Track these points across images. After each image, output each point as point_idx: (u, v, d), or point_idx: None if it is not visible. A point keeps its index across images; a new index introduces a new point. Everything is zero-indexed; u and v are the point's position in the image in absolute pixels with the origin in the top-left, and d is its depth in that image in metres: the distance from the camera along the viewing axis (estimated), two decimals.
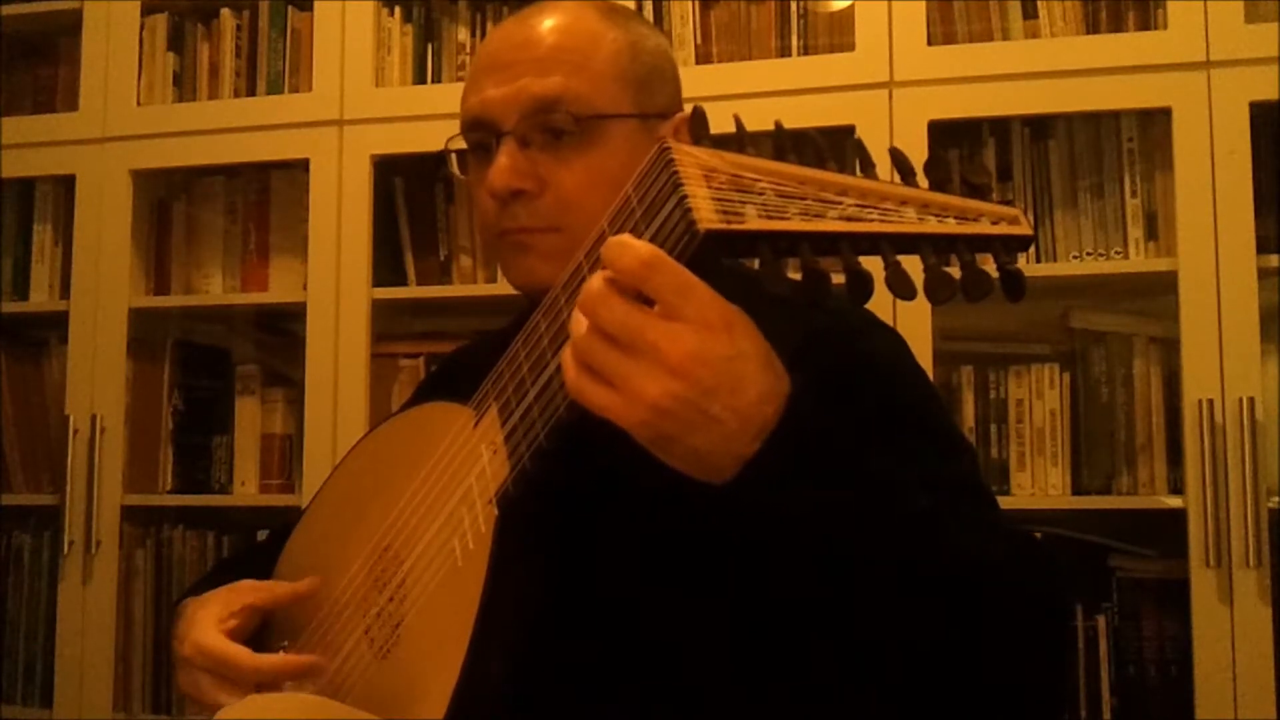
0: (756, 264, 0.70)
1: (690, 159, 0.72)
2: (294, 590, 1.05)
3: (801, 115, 1.74)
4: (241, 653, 0.99)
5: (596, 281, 0.71)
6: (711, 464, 0.72)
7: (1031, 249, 1.78)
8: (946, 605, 0.76)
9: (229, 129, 2.04)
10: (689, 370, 0.69)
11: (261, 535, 1.89)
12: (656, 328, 0.69)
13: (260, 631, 1.06)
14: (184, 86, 2.15)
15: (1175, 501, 1.71)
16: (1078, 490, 1.79)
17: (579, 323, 0.72)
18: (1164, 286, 1.72)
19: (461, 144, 1.06)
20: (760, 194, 0.70)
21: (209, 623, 1.01)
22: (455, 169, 1.09)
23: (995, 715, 0.79)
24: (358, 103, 1.98)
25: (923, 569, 0.75)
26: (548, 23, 1.02)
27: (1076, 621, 1.73)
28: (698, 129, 0.75)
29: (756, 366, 0.71)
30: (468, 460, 0.91)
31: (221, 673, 0.98)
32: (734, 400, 0.70)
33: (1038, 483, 1.80)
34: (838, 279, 0.70)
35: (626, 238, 0.71)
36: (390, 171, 2.05)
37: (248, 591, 1.05)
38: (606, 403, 0.71)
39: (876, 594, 0.75)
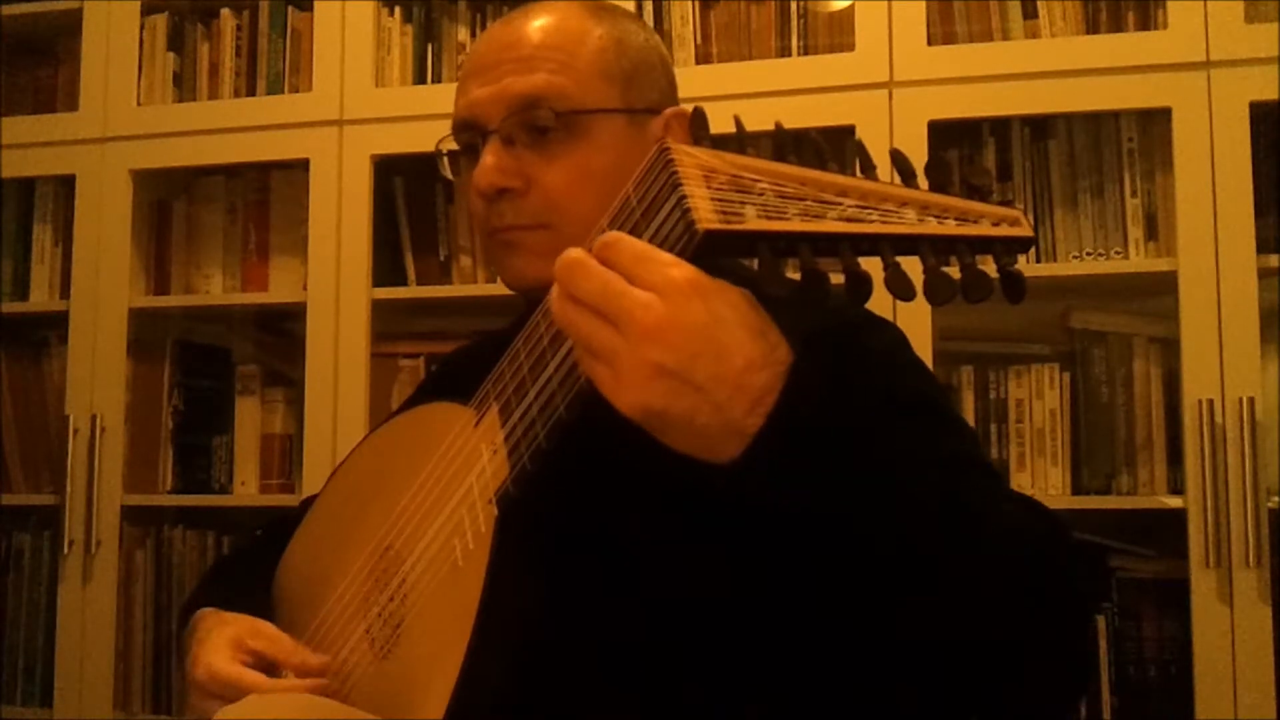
0: (756, 265, 0.70)
1: (690, 159, 0.72)
2: (302, 663, 1.00)
3: (801, 115, 1.74)
4: (257, 679, 0.97)
5: (573, 253, 0.71)
6: (708, 439, 0.71)
7: (1031, 249, 1.78)
8: (971, 571, 0.75)
9: (229, 129, 2.04)
10: (664, 337, 0.68)
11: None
12: (630, 295, 0.69)
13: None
14: (184, 86, 2.15)
15: (1175, 501, 1.71)
16: (1078, 490, 1.79)
17: (555, 295, 0.73)
18: (1164, 286, 1.72)
19: (453, 145, 1.07)
20: (760, 194, 0.70)
21: (222, 648, 1.00)
22: (447, 171, 1.10)
23: (1021, 682, 0.79)
24: (358, 103, 1.98)
25: (944, 537, 0.74)
26: (534, 23, 1.03)
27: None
28: (697, 129, 0.76)
29: (742, 333, 0.70)
30: (468, 460, 0.91)
31: (236, 699, 0.97)
32: (718, 368, 0.69)
33: (1038, 483, 1.80)
34: (836, 279, 0.70)
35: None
36: (390, 171, 2.05)
37: (266, 640, 1.02)
38: (600, 377, 0.71)
39: (894, 566, 0.74)
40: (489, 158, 0.99)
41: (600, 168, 0.98)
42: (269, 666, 1.01)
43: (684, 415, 0.70)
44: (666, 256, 0.70)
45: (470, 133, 1.03)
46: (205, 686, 0.99)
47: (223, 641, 1.01)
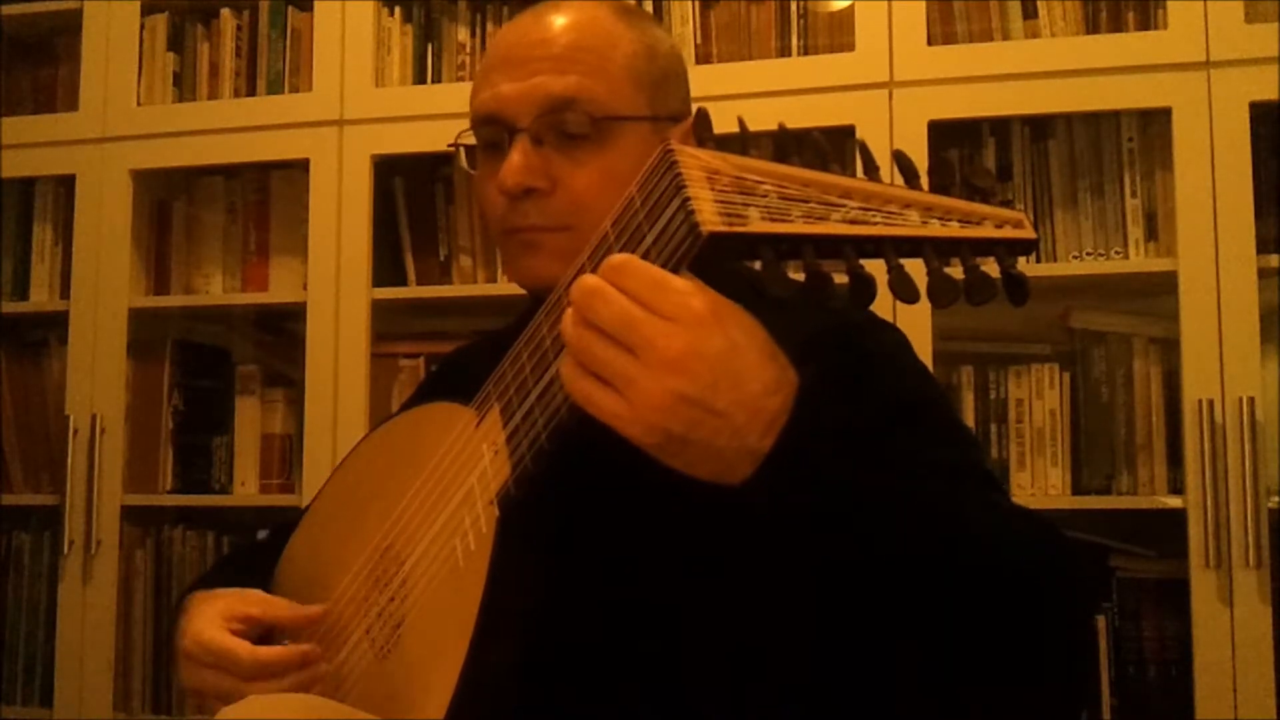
0: (759, 266, 0.70)
1: (694, 161, 0.72)
2: (297, 615, 1.01)
3: (801, 115, 1.74)
4: (242, 646, 0.97)
5: (591, 278, 0.71)
6: (724, 463, 0.71)
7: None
8: (971, 576, 0.75)
9: (229, 129, 2.04)
10: (687, 365, 0.68)
11: (262, 535, 1.89)
12: (651, 323, 0.69)
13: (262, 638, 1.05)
14: (184, 86, 2.15)
15: (1175, 501, 1.71)
16: (1078, 490, 1.79)
17: (569, 320, 0.72)
18: (1164, 286, 1.72)
19: (470, 139, 1.06)
20: (764, 196, 0.70)
21: (212, 619, 1.00)
22: (465, 164, 1.09)
23: (1023, 685, 0.79)
24: (358, 103, 1.98)
25: (944, 544, 0.75)
26: (564, 20, 1.02)
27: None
28: (701, 130, 0.76)
29: (757, 357, 0.71)
30: (469, 460, 0.91)
31: (223, 666, 0.97)
32: (738, 393, 0.70)
33: (1038, 483, 1.80)
34: (839, 279, 0.70)
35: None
36: (390, 171, 2.05)
37: (254, 602, 1.03)
38: (613, 408, 0.70)
39: (902, 581, 0.74)
40: (517, 157, 0.98)
41: (625, 173, 0.97)
42: (264, 635, 1.01)
43: (703, 440, 0.70)
44: (683, 284, 0.70)
45: (494, 128, 1.02)
46: (194, 655, 0.99)
47: (211, 612, 1.01)
